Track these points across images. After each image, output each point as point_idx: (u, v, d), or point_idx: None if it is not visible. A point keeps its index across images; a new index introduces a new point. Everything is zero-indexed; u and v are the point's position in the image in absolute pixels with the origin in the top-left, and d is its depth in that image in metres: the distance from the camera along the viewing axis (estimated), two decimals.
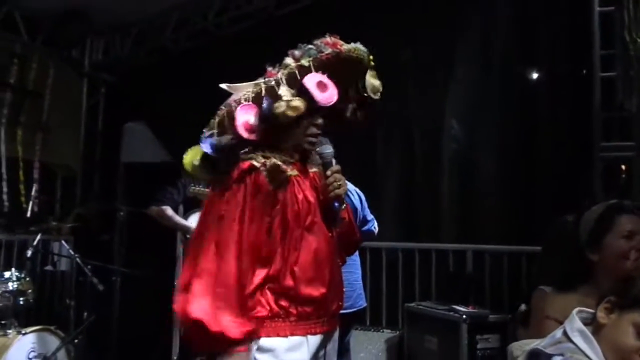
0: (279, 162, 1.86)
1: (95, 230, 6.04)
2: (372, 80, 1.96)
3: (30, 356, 3.79)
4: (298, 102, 1.79)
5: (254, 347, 1.81)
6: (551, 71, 4.44)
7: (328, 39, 1.87)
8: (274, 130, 1.86)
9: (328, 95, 1.81)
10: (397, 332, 4.38)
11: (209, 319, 1.70)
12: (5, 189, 5.98)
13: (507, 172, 4.52)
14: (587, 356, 1.43)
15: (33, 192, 5.84)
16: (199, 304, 1.72)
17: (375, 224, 3.37)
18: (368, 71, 1.96)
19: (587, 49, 3.95)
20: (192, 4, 5.80)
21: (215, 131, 1.87)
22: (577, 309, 1.57)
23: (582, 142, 4.04)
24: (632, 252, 2.01)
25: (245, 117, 1.82)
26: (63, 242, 4.78)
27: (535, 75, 4.61)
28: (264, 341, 1.82)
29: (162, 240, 4.93)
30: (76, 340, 4.21)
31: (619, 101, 3.76)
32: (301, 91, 1.81)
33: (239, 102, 1.85)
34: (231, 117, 1.85)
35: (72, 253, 4.59)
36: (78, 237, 5.62)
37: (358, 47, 1.90)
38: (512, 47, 4.58)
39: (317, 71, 1.81)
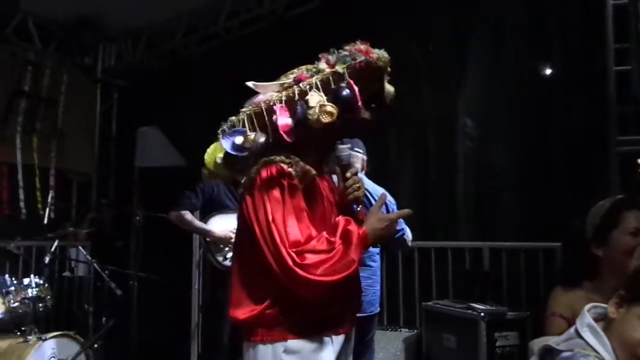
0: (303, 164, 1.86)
1: (111, 236, 6.09)
2: (387, 86, 1.95)
3: None
4: (331, 108, 1.77)
5: (281, 349, 1.82)
6: (565, 66, 4.40)
7: (361, 45, 1.86)
8: (303, 134, 1.84)
9: (359, 105, 1.80)
10: (415, 331, 4.36)
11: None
12: (22, 197, 6.04)
13: (522, 168, 4.49)
14: (595, 351, 1.43)
15: (49, 199, 5.90)
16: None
17: (408, 232, 3.32)
18: (385, 76, 1.95)
19: (601, 42, 3.91)
20: (202, 9, 5.83)
21: (246, 129, 1.87)
22: (590, 304, 1.56)
23: (598, 137, 4.01)
24: (637, 248, 1.99)
25: (286, 120, 1.81)
26: (80, 247, 4.83)
27: (549, 71, 4.58)
28: (291, 343, 1.82)
29: (178, 244, 4.97)
30: (95, 345, 4.24)
31: (634, 95, 3.71)
32: (334, 98, 1.79)
33: (269, 103, 1.85)
34: (261, 117, 1.85)
35: (90, 258, 4.63)
36: (95, 243, 5.67)
37: (384, 54, 1.88)
38: (526, 42, 4.55)
39: (350, 78, 1.80)
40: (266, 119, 1.85)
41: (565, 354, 1.44)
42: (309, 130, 1.81)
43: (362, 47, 1.86)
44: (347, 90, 1.78)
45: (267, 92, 1.92)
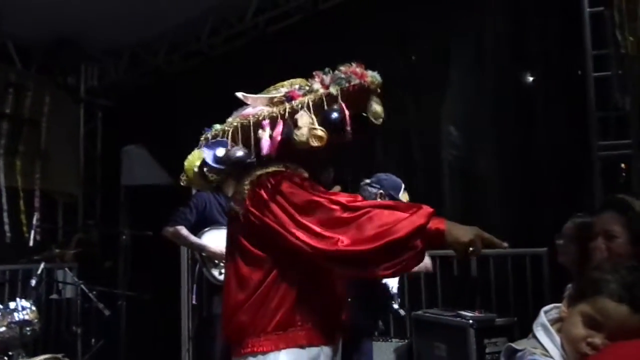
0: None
1: (98, 256, 6.05)
2: (375, 106, 1.92)
3: None
4: (321, 133, 1.76)
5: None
6: (546, 74, 4.46)
7: (356, 68, 1.85)
8: (289, 151, 1.83)
9: (349, 130, 1.79)
10: (406, 341, 4.36)
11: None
12: (6, 220, 5.99)
13: (507, 175, 4.52)
14: (544, 349, 1.49)
15: (34, 221, 5.85)
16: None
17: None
18: (374, 97, 1.93)
19: (580, 50, 3.97)
20: (184, 26, 5.84)
21: (227, 141, 1.86)
22: (551, 305, 1.61)
23: (580, 142, 4.06)
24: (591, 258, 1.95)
25: (272, 136, 1.80)
26: (67, 269, 4.79)
27: (530, 78, 4.63)
28: (284, 353, 1.82)
29: (166, 262, 4.94)
30: None
31: (613, 100, 3.77)
32: (324, 121, 1.79)
33: (257, 118, 1.85)
34: (247, 130, 1.84)
35: (77, 280, 4.59)
36: (82, 263, 5.63)
37: (377, 77, 1.88)
38: (506, 51, 4.60)
39: (342, 100, 1.79)
40: (252, 133, 1.85)
41: (519, 353, 1.51)
42: (294, 148, 1.80)
43: (358, 70, 1.85)
44: (337, 114, 1.77)
45: (257, 105, 1.92)
